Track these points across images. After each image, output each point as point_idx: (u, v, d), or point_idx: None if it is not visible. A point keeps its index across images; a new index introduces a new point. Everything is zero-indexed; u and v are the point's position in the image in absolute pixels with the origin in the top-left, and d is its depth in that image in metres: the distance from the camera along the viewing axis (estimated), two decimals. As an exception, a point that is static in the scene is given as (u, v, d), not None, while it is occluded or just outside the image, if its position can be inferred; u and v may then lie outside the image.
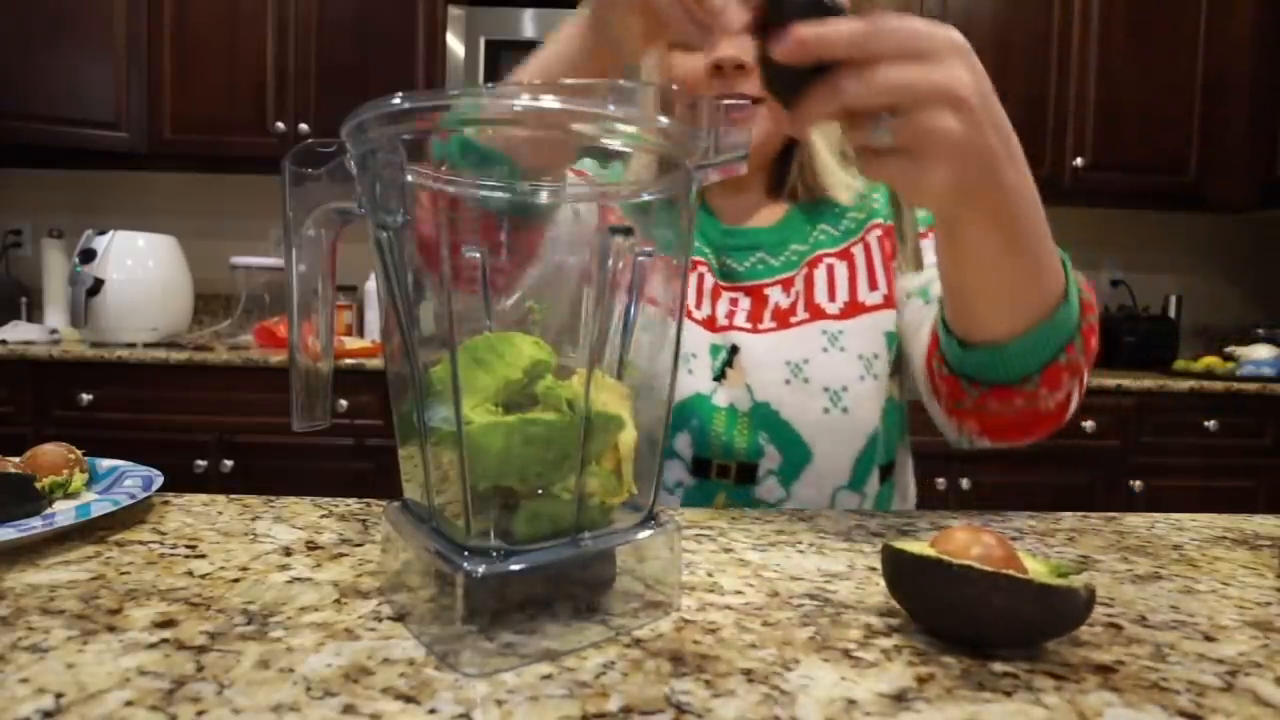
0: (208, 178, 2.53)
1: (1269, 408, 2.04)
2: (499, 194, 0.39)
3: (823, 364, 0.72)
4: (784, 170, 0.81)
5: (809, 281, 0.76)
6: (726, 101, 0.39)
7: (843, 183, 0.80)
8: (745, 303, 0.77)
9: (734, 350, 0.74)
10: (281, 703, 0.30)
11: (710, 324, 0.76)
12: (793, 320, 0.75)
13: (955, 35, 0.41)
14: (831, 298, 0.76)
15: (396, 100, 0.32)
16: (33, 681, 0.31)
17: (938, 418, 0.67)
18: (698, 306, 0.77)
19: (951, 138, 0.41)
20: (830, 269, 0.77)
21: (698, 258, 0.78)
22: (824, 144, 0.81)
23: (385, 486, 1.90)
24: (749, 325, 0.75)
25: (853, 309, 0.75)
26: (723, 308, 0.77)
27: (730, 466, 0.73)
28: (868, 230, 0.79)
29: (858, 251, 0.78)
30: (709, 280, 0.78)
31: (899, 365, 0.77)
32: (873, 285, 0.77)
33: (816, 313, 0.75)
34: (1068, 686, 0.33)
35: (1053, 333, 0.53)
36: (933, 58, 0.40)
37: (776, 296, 0.77)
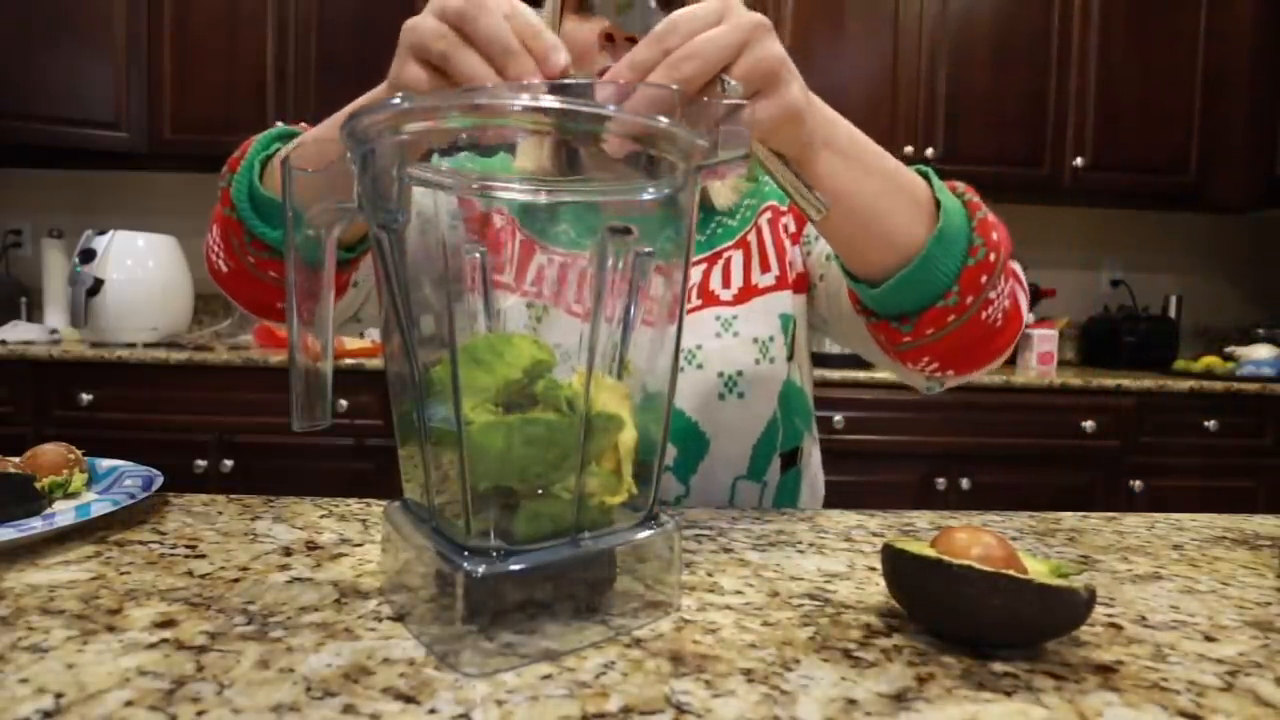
0: (208, 178, 2.51)
1: (1269, 408, 2.04)
2: (500, 195, 0.39)
3: (716, 349, 0.72)
4: None
5: (706, 274, 0.76)
6: (728, 101, 0.39)
7: (728, 185, 0.80)
8: None
9: None
10: (281, 703, 0.30)
11: None
12: (686, 308, 0.75)
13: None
14: (726, 285, 0.76)
15: (396, 100, 0.32)
16: (33, 681, 0.31)
17: (897, 370, 0.66)
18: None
19: (785, 60, 0.44)
20: (728, 261, 0.77)
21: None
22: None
23: (385, 486, 1.90)
24: None
25: (746, 293, 0.75)
26: None
27: None
28: (760, 214, 0.79)
29: (752, 239, 0.78)
30: None
31: (799, 347, 0.77)
32: (764, 267, 0.76)
33: (710, 299, 0.75)
34: (1068, 686, 0.33)
35: (945, 240, 0.52)
36: (726, 13, 0.42)
37: None
